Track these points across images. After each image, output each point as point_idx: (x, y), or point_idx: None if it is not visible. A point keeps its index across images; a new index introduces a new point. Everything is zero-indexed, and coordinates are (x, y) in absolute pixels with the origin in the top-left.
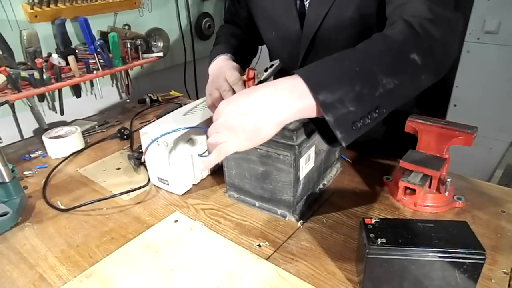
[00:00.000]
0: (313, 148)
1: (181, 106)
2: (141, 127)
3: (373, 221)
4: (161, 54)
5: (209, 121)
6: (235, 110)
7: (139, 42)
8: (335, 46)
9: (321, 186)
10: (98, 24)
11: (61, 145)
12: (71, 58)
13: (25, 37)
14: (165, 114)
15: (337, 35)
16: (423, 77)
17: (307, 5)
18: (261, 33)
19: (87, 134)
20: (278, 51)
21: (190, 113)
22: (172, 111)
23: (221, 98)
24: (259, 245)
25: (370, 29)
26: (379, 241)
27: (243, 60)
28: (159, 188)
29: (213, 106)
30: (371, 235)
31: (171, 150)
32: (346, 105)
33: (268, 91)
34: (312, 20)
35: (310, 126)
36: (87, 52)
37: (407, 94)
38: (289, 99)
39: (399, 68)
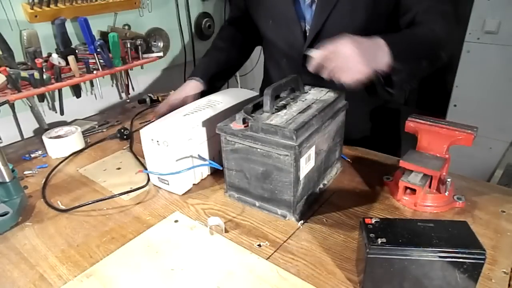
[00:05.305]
0: (313, 148)
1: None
2: (141, 127)
3: (373, 221)
4: (161, 54)
5: (207, 121)
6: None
7: (139, 42)
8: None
9: (321, 186)
10: (98, 24)
11: (61, 145)
12: (71, 58)
13: (25, 37)
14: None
15: (345, 28)
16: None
17: None
18: (258, 23)
19: (87, 134)
20: (274, 39)
21: (190, 113)
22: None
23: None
24: (259, 245)
25: (381, 15)
26: (379, 241)
27: (219, 77)
28: (159, 188)
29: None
30: (371, 235)
31: (171, 150)
32: (404, 73)
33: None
34: (320, 13)
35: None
36: (87, 52)
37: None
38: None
39: (433, 59)
